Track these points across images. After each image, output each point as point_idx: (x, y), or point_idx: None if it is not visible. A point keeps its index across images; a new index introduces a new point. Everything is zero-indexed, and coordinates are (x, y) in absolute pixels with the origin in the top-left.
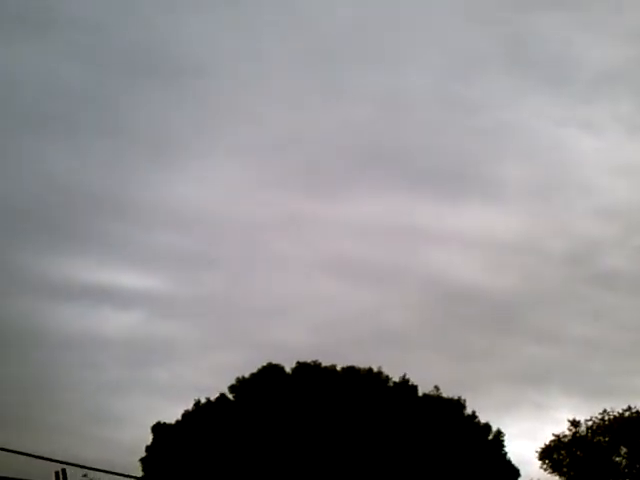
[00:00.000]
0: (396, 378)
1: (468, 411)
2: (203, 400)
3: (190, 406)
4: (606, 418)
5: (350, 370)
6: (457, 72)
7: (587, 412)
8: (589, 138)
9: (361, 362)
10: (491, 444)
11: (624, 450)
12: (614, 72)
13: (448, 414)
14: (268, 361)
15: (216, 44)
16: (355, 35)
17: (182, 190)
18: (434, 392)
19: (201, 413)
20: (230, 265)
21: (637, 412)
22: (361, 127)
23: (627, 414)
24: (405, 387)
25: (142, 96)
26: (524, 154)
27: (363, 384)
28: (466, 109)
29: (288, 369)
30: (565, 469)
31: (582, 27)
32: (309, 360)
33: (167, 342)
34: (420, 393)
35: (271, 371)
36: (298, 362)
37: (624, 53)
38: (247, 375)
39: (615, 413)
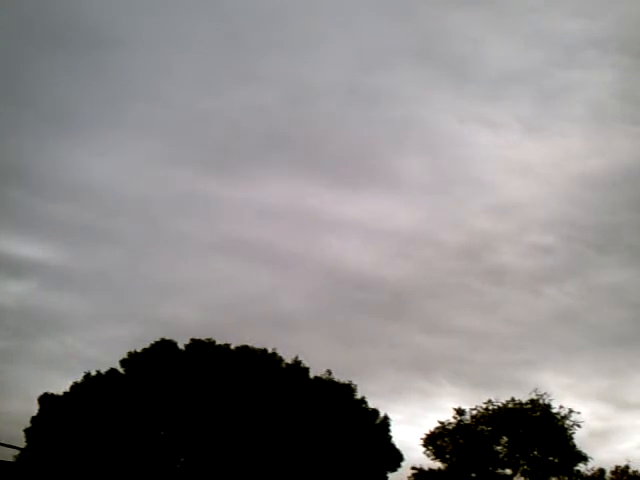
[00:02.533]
0: (289, 360)
1: (358, 395)
2: (93, 373)
3: (80, 378)
4: (490, 408)
5: (244, 349)
6: (366, 63)
7: (472, 401)
8: (489, 135)
9: (255, 342)
10: (378, 429)
11: (505, 439)
12: (517, 73)
13: (339, 397)
14: (162, 337)
15: (131, 20)
16: (267, 21)
17: (83, 162)
18: (326, 375)
19: (90, 386)
20: (128, 240)
21: (520, 403)
22: (269, 112)
23: (510, 405)
24: (297, 369)
25: (49, 65)
26: (426, 148)
27: (257, 363)
28: (373, 100)
29: (181, 345)
30: (447, 456)
31: (491, 27)
32: (203, 337)
33: (59, 313)
34: (312, 376)
35: (164, 346)
36: (192, 339)
37: (529, 55)
38: (139, 350)
39: (499, 403)
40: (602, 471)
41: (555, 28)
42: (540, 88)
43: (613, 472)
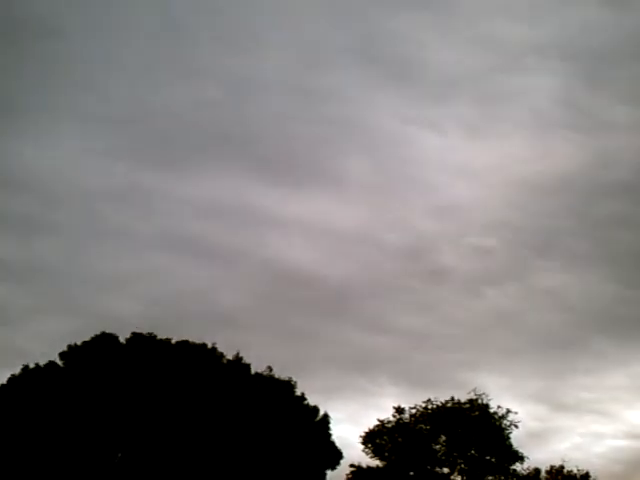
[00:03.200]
0: (230, 356)
1: (298, 392)
2: (32, 366)
3: (17, 371)
4: (429, 407)
5: (185, 344)
6: (310, 62)
7: (412, 401)
8: (432, 138)
9: (196, 338)
10: (318, 426)
11: (443, 438)
12: (461, 76)
13: (279, 394)
14: (102, 330)
15: (72, 10)
16: (212, 16)
17: (21, 151)
18: (267, 372)
19: (28, 379)
20: (67, 232)
21: (459, 403)
22: (212, 107)
23: (449, 404)
24: (238, 365)
25: None
26: (370, 148)
27: (197, 359)
28: (317, 99)
29: (122, 339)
30: (386, 454)
31: (436, 30)
32: (144, 332)
33: None
34: (253, 372)
35: (104, 340)
36: (133, 333)
37: (472, 59)
38: (79, 343)
39: (438, 403)
40: (537, 471)
41: (498, 33)
42: (483, 92)
43: (548, 472)
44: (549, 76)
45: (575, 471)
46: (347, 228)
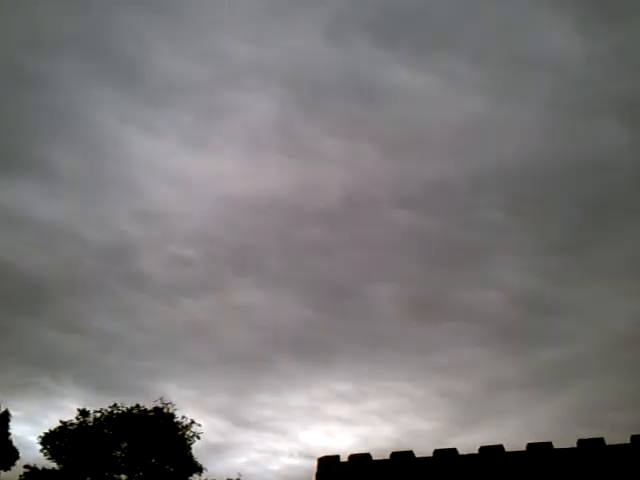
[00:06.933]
0: None
1: None
2: None
3: None
4: (115, 412)
5: None
6: (30, 45)
7: (99, 404)
8: (148, 141)
9: None
10: None
11: (125, 444)
12: (184, 84)
13: None
14: None
15: None
16: None
17: None
18: None
19: None
20: None
21: (145, 410)
22: None
23: (135, 411)
24: None
25: None
26: (82, 142)
27: None
28: (32, 85)
29: None
30: (64, 457)
31: (164, 35)
32: None
33: None
34: None
35: None
36: None
37: (196, 70)
38: None
39: (124, 408)
40: None
41: (224, 48)
42: (203, 103)
43: None
44: (268, 99)
45: None
46: (49, 221)
